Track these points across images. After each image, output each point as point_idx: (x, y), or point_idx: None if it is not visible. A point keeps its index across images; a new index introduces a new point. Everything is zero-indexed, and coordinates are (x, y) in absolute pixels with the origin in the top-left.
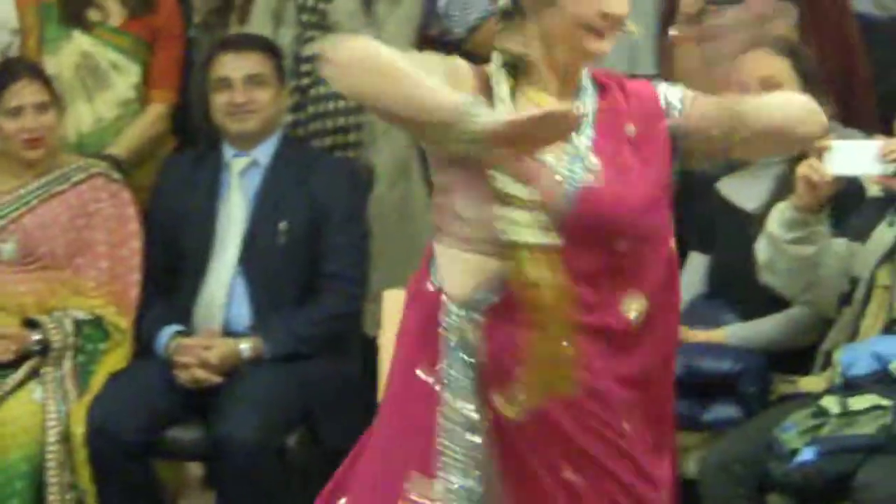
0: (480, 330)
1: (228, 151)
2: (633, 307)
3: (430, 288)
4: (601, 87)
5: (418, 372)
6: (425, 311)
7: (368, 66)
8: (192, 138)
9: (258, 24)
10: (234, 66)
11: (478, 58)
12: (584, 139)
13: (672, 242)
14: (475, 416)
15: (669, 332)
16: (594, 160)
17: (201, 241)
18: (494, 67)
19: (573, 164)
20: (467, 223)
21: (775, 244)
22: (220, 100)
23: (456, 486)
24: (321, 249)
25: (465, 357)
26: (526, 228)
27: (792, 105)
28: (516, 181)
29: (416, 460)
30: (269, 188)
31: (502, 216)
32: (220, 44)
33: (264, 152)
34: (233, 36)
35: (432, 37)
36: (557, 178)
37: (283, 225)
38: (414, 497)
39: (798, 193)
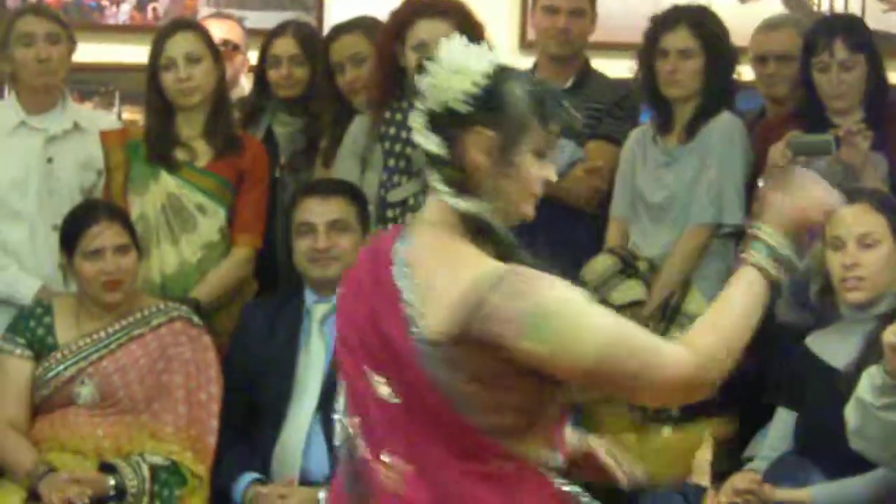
0: None
1: (310, 297)
2: None
3: None
4: None
5: None
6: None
7: (724, 348)
8: (275, 281)
9: (344, 167)
10: (318, 211)
11: None
12: None
13: None
14: None
15: None
16: None
17: (280, 387)
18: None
19: None
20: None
21: (865, 410)
22: (302, 245)
23: None
24: None
25: None
26: None
27: None
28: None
29: None
30: None
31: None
32: (304, 188)
33: None
34: (317, 181)
35: None
36: None
37: None
38: None
39: (887, 359)
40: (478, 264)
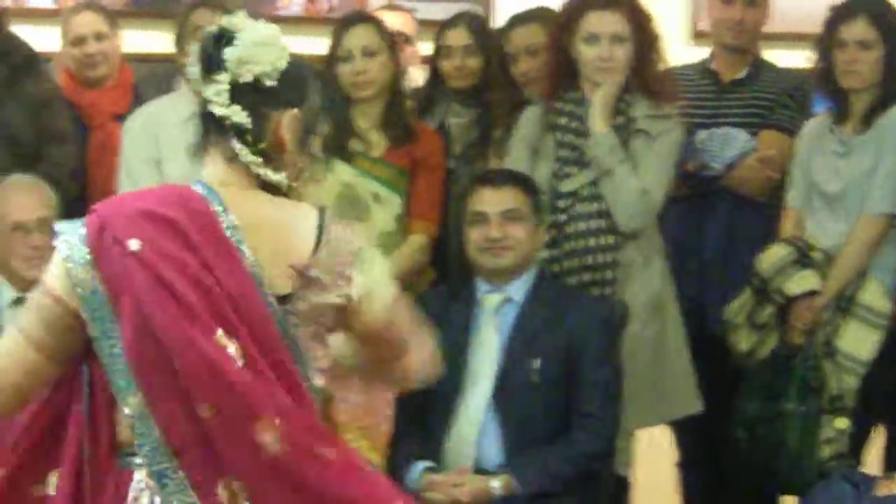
0: None
1: (482, 287)
2: None
3: None
4: None
5: None
6: None
7: None
8: (446, 271)
9: (516, 158)
10: (491, 200)
11: None
12: None
13: None
14: None
15: None
16: None
17: (453, 377)
18: None
19: None
20: None
21: None
22: (474, 234)
23: None
24: (574, 388)
25: None
26: None
27: None
28: None
29: None
30: (522, 326)
31: None
32: (478, 178)
33: (518, 289)
34: (490, 171)
35: (689, 172)
36: None
37: (536, 363)
38: None
39: None
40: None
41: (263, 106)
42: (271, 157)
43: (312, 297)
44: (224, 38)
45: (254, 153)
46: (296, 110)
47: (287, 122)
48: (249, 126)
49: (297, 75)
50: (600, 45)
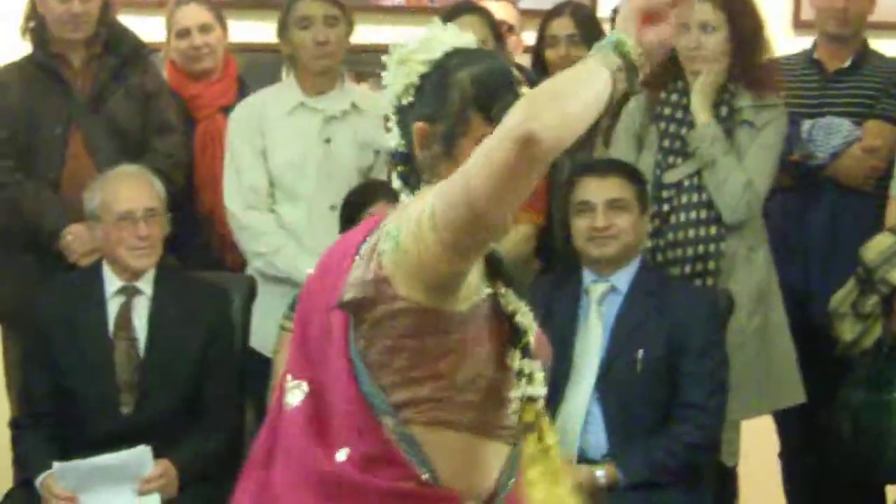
0: None
1: (587, 276)
2: None
3: (424, 479)
4: None
5: None
6: None
7: (555, 109)
8: (551, 261)
9: (622, 147)
10: (597, 190)
11: None
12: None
13: None
14: None
15: None
16: None
17: (559, 366)
18: None
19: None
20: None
21: None
22: (580, 224)
23: None
24: (679, 378)
25: None
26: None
27: None
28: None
29: None
30: (627, 315)
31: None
32: (583, 167)
33: (623, 278)
34: (595, 160)
35: (793, 162)
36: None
37: (640, 353)
38: None
39: None
40: None
41: (406, 122)
42: (415, 177)
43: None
44: None
45: (401, 178)
46: (428, 124)
47: (418, 135)
48: (397, 147)
49: (436, 83)
50: (690, 33)
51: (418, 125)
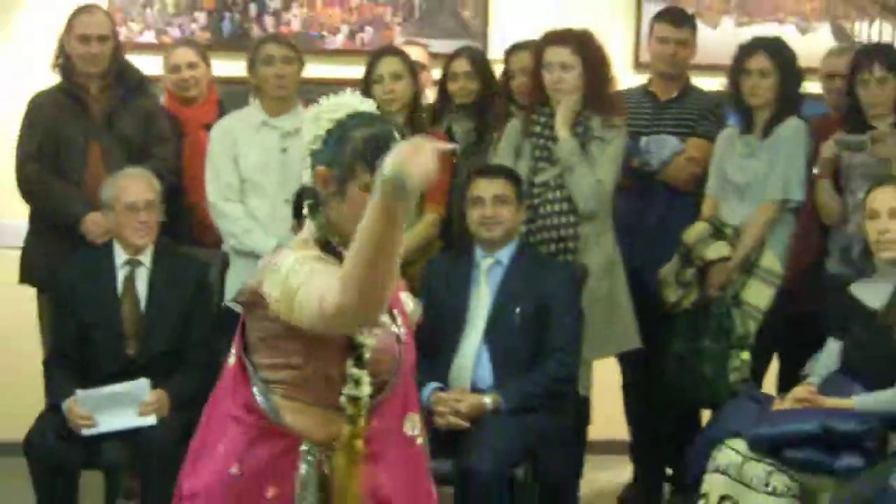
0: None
1: (479, 253)
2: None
3: (269, 421)
4: None
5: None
6: (274, 444)
7: (351, 289)
8: (450, 242)
9: (504, 156)
10: (486, 188)
11: None
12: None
13: None
14: None
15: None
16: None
17: (457, 320)
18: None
19: (400, 328)
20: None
21: None
22: (474, 213)
23: None
24: (546, 328)
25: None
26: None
27: None
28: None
29: None
30: (508, 282)
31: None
32: (476, 171)
33: (505, 255)
34: (485, 165)
35: (633, 168)
36: (395, 332)
37: (518, 310)
38: None
39: None
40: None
41: (315, 164)
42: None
43: None
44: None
45: (309, 208)
46: (327, 168)
47: (320, 176)
48: (308, 183)
49: (337, 138)
50: (552, 71)
51: (320, 169)
